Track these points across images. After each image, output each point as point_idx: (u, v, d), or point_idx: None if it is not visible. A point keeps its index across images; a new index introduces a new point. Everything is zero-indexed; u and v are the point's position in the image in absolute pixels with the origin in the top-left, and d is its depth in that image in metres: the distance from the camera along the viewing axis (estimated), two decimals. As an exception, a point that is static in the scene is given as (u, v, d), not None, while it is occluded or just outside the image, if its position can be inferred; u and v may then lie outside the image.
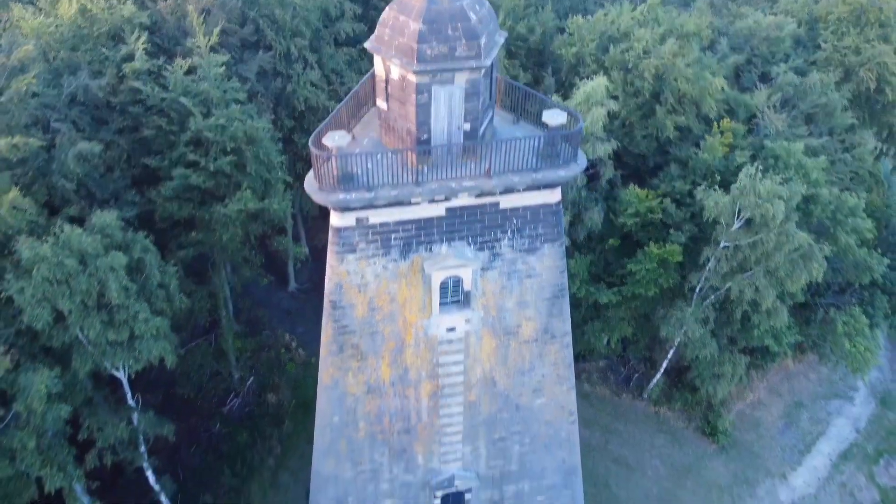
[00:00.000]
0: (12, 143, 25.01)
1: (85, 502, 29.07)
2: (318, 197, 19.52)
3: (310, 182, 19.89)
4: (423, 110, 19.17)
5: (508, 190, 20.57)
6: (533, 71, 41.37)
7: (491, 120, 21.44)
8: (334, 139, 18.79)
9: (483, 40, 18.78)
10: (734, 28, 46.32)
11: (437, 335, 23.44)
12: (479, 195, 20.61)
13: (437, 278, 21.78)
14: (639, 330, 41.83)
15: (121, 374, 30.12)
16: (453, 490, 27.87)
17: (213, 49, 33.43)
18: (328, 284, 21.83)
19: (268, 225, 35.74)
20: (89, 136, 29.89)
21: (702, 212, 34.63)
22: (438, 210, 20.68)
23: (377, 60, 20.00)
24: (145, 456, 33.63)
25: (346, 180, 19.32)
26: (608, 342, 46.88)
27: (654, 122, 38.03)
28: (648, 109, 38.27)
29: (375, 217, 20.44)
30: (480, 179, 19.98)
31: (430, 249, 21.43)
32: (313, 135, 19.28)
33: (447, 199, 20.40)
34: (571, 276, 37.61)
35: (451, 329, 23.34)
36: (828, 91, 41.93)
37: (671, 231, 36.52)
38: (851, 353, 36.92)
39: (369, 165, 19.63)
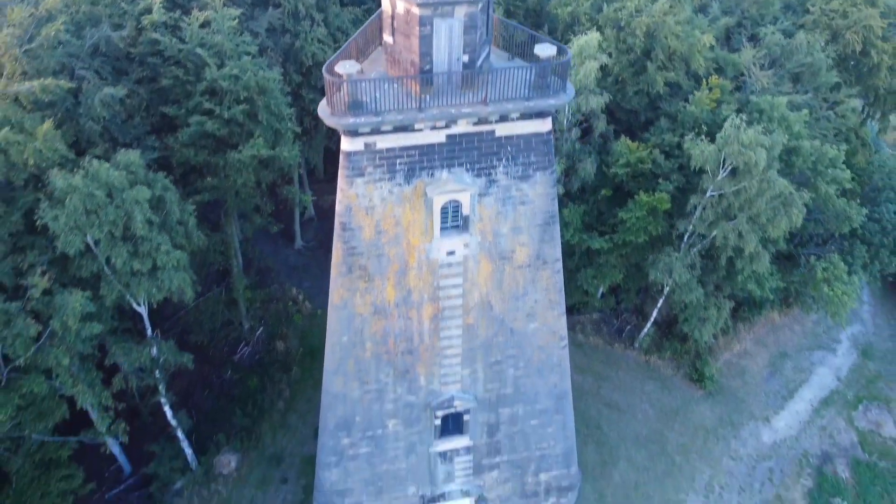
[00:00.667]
0: (44, 85, 26.96)
1: (108, 423, 31.18)
2: (331, 121, 21.53)
3: (323, 108, 21.91)
4: (426, 42, 21.15)
5: (503, 117, 22.56)
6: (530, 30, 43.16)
7: (488, 56, 23.40)
8: (345, 67, 20.80)
9: (480, -23, 20.72)
10: (726, -9, 48.10)
11: (438, 259, 25.51)
12: (476, 123, 22.61)
13: (439, 202, 23.82)
14: (630, 279, 43.92)
15: (142, 309, 32.29)
16: (453, 411, 30.02)
17: (224, 4, 35.26)
18: (338, 207, 23.88)
19: (277, 173, 37.73)
20: (112, 85, 31.80)
21: (689, 161, 36.58)
22: (439, 137, 22.70)
23: (384, -3, 21.98)
24: (163, 391, 35.81)
25: (356, 107, 21.32)
26: (602, 295, 49.11)
27: (645, 79, 39.92)
28: (640, 66, 40.15)
29: (382, 142, 22.46)
30: (477, 106, 21.99)
31: (432, 175, 23.47)
32: (326, 64, 21.29)
33: (447, 125, 22.41)
34: (566, 225, 39.68)
35: (451, 252, 25.41)
36: (814, 51, 43.74)
37: (660, 181, 38.49)
38: (829, 298, 39.01)
39: (377, 94, 21.62)
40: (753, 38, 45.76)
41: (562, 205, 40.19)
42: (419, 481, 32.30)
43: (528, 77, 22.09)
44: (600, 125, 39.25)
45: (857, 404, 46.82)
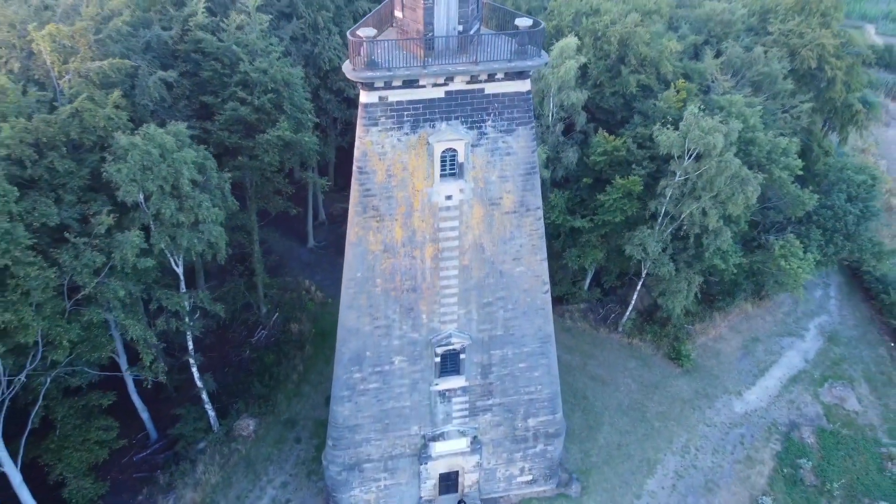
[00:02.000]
0: (113, 63, 32.61)
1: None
2: (352, 75, 26.84)
3: (346, 67, 27.29)
4: (428, 13, 26.64)
5: (491, 76, 27.85)
6: (520, 43, 49.27)
7: (479, 29, 28.90)
8: (365, 32, 26.29)
9: (471, -39, 26.43)
10: (694, 14, 54.40)
11: (438, 202, 30.47)
12: (469, 81, 27.91)
13: (439, 149, 28.96)
14: (611, 261, 48.76)
15: (179, 270, 37.19)
16: (451, 348, 34.41)
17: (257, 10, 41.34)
18: (356, 153, 29.01)
19: (297, 159, 43.09)
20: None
21: (658, 148, 41.88)
22: (439, 93, 27.97)
23: (396, -19, 27.68)
24: (192, 349, 40.38)
25: (372, 65, 26.71)
26: (588, 287, 53.88)
27: (620, 82, 45.66)
28: (615, 71, 45.95)
29: (393, 96, 27.73)
30: (469, 65, 27.34)
31: (433, 126, 28.66)
32: (350, 30, 26.81)
33: (446, 82, 27.71)
34: (552, 207, 44.85)
35: (449, 197, 30.39)
36: (770, 62, 49.65)
37: (633, 167, 43.78)
38: (787, 271, 43.80)
39: (389, 57, 27.03)
40: (719, 54, 51.76)
41: (548, 191, 45.42)
42: (421, 420, 36.42)
43: (510, 44, 27.55)
44: (581, 120, 44.77)
45: (823, 382, 50.99)
